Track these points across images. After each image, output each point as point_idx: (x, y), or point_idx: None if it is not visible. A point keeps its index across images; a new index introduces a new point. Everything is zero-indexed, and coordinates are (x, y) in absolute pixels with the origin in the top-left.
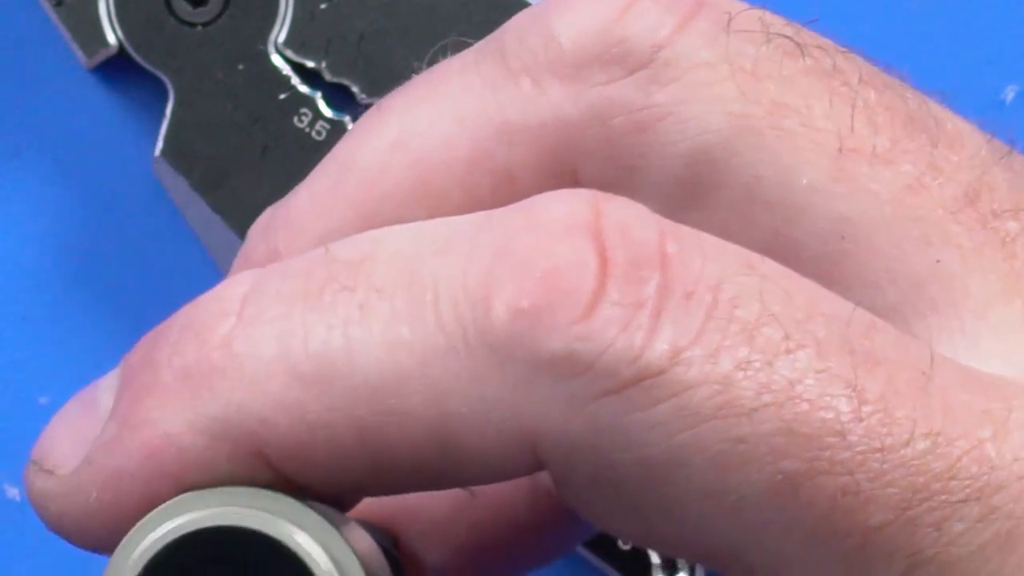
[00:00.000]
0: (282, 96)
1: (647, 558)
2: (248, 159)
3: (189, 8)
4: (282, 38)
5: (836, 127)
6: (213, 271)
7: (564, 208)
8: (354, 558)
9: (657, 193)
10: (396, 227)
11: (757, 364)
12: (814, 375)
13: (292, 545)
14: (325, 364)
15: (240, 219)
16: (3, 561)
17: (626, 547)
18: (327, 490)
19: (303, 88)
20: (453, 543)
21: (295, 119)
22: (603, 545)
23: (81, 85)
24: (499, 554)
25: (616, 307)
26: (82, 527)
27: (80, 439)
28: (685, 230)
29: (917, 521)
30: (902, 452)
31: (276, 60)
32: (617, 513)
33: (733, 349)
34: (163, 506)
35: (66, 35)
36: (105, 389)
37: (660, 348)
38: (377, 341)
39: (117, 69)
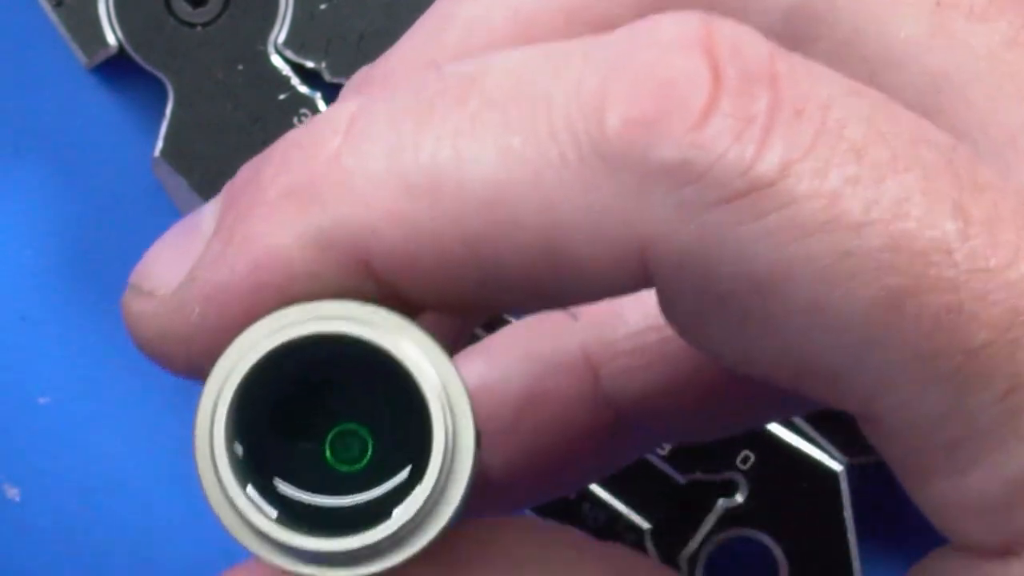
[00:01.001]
0: (282, 96)
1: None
2: (248, 159)
3: (189, 8)
4: (282, 38)
5: None
6: None
7: (677, 26)
8: (458, 376)
9: None
10: (508, 50)
11: (866, 181)
12: (921, 195)
13: (400, 356)
14: (435, 175)
15: None
16: (3, 561)
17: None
18: (433, 306)
19: (303, 88)
20: (513, 446)
21: (295, 119)
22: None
23: (81, 85)
24: (556, 460)
25: (728, 119)
26: (182, 345)
27: (181, 261)
28: (794, 55)
29: (1018, 343)
30: (1006, 274)
31: (276, 60)
32: (720, 331)
33: (842, 165)
34: (269, 316)
35: (66, 35)
36: (207, 213)
37: (771, 161)
38: (488, 152)
39: (117, 69)
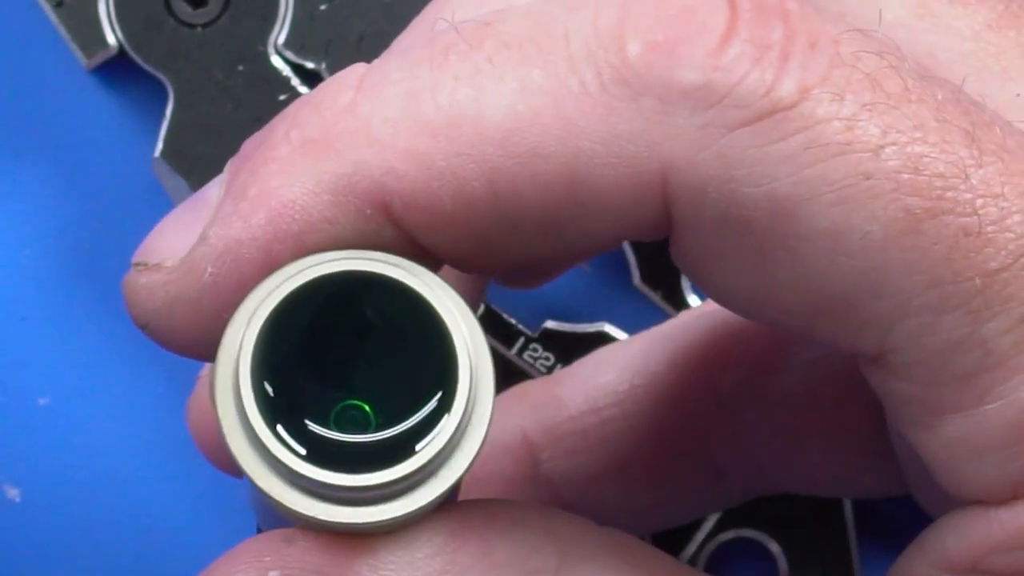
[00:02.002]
0: (282, 97)
1: None
2: None
3: (189, 9)
4: (282, 39)
5: None
6: None
7: None
8: (477, 322)
9: None
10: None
11: (881, 108)
12: (935, 122)
13: (428, 296)
14: (454, 113)
15: None
16: (3, 561)
17: None
18: (451, 254)
19: (303, 89)
20: None
21: None
22: None
23: (81, 86)
24: None
25: (747, 44)
26: (192, 311)
27: (189, 231)
28: None
29: None
30: (1018, 201)
31: (276, 61)
32: (739, 263)
33: (858, 92)
34: (287, 265)
35: (66, 36)
36: (212, 186)
37: (789, 85)
38: (508, 87)
39: (117, 70)
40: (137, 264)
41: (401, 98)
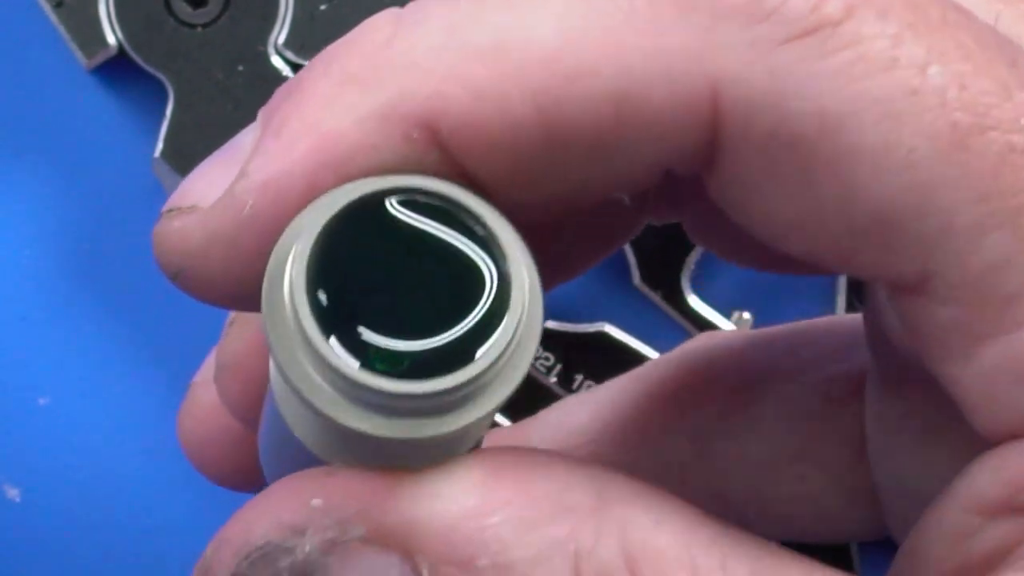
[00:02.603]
0: None
1: None
2: None
3: (189, 9)
4: (282, 39)
5: None
6: None
7: None
8: (523, 241)
9: None
10: None
11: (924, 29)
12: (976, 44)
13: (483, 211)
14: (500, 36)
15: None
16: (3, 561)
17: None
18: (497, 181)
19: None
20: None
21: None
22: None
23: (81, 86)
24: None
25: None
26: (230, 250)
27: (225, 173)
28: None
29: None
30: None
31: (276, 61)
32: (783, 182)
33: (902, 13)
34: (333, 191)
35: (66, 36)
36: (247, 131)
37: (836, 2)
38: (554, 8)
39: (117, 70)
40: (169, 210)
41: (443, 28)
